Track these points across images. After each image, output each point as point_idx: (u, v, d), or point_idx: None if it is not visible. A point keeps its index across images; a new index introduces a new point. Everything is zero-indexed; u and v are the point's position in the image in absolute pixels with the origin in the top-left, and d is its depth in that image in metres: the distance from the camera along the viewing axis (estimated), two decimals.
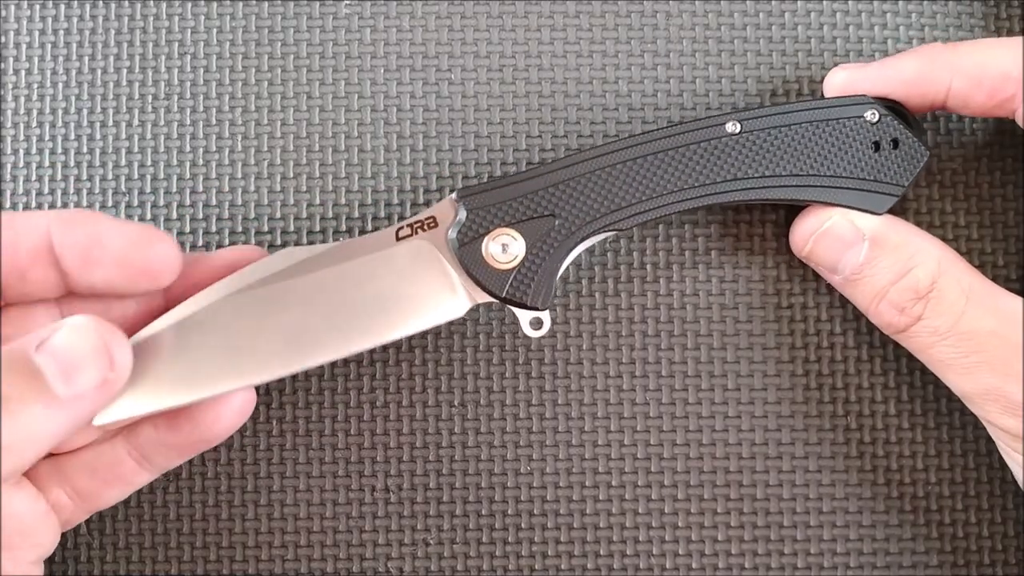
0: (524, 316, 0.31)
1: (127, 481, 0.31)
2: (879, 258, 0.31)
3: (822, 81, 0.35)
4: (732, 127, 0.31)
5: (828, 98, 0.32)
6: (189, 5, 0.35)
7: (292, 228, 0.35)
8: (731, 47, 0.35)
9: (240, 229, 0.35)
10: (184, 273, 0.29)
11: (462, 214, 0.31)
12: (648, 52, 0.35)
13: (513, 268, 0.31)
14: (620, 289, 0.34)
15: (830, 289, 0.34)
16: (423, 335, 0.34)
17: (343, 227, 0.35)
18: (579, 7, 0.35)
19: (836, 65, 0.34)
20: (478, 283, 0.31)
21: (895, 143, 0.32)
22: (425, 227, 0.31)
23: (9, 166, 0.35)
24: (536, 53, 0.35)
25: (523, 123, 0.35)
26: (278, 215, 0.35)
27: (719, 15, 0.35)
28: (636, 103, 0.35)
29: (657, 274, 0.34)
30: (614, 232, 0.32)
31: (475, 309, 0.34)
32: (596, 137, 0.35)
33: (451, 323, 0.34)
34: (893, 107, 0.32)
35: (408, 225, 0.31)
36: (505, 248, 0.31)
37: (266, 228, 0.35)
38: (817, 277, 0.34)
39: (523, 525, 0.34)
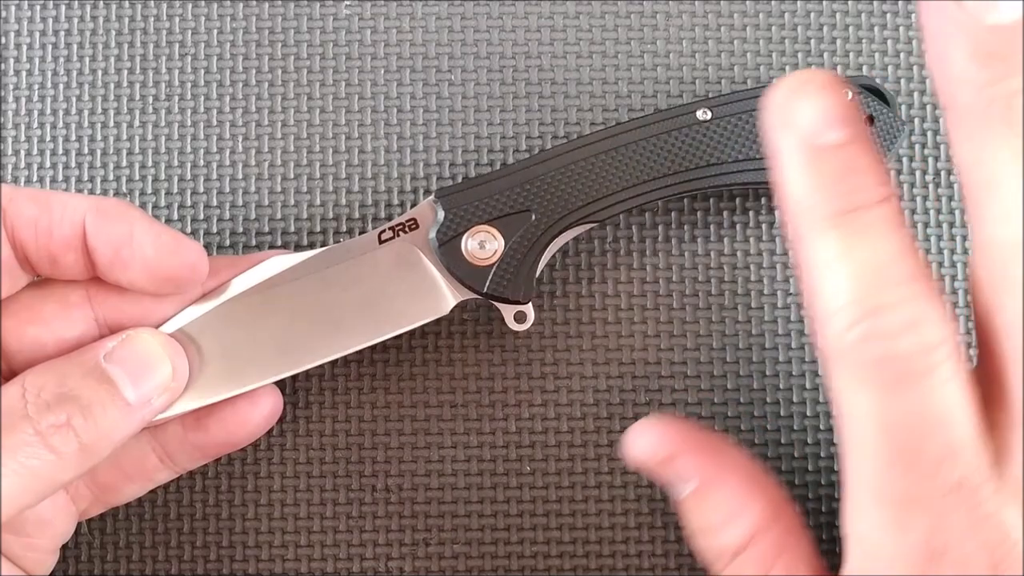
0: (508, 310, 0.32)
1: (148, 477, 0.31)
2: (704, 499, 0.29)
3: None
4: (703, 115, 0.32)
5: None
6: (189, 6, 0.35)
7: (292, 229, 0.35)
8: (731, 48, 0.35)
9: (241, 230, 0.35)
10: (218, 276, 0.30)
11: (440, 214, 0.31)
12: (648, 53, 0.35)
13: (493, 264, 0.31)
14: (620, 290, 0.34)
15: None
16: (424, 335, 0.34)
17: (343, 228, 0.35)
18: (579, 8, 0.35)
19: (834, 66, 0.34)
20: (459, 280, 0.31)
21: (871, 119, 0.32)
22: (406, 229, 0.31)
23: (10, 167, 0.35)
24: (536, 54, 0.35)
25: (523, 124, 0.35)
26: (279, 216, 0.35)
27: (719, 16, 0.35)
28: (636, 104, 0.35)
29: (657, 275, 0.34)
30: (592, 224, 0.32)
31: (475, 309, 0.34)
32: None
33: (451, 323, 0.34)
34: (867, 85, 0.32)
35: (390, 228, 0.31)
36: (483, 245, 0.31)
37: (267, 229, 0.35)
38: None
39: (524, 525, 0.34)
